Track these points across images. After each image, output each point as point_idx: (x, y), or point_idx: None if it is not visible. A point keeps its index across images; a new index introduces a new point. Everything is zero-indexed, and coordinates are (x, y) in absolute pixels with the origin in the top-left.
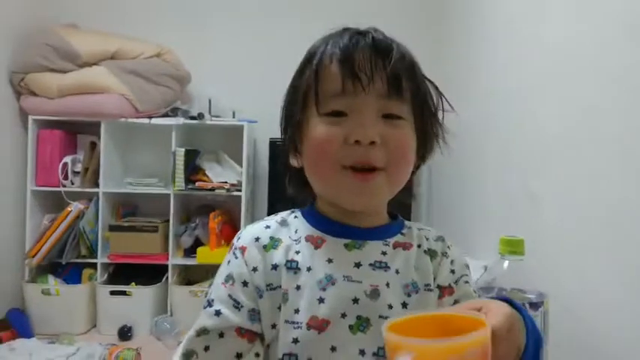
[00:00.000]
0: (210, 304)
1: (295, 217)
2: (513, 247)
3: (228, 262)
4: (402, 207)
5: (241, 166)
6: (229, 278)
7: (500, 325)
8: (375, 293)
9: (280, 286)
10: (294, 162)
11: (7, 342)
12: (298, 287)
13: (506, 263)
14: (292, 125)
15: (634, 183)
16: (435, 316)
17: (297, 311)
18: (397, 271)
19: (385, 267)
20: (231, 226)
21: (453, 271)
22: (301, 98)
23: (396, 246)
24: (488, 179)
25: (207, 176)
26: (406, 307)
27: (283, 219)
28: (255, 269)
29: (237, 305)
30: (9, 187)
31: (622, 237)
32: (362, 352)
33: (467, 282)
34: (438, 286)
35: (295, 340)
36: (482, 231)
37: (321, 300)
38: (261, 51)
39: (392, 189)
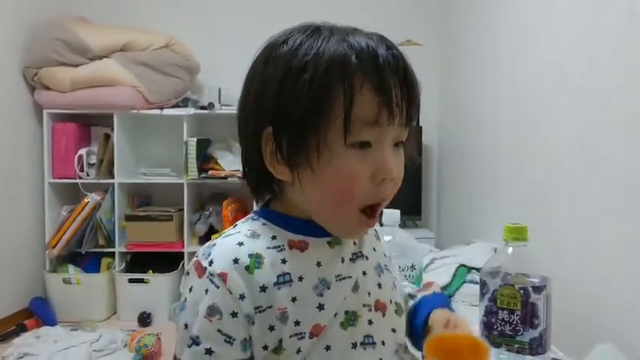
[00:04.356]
0: (195, 341)
1: (263, 224)
2: (517, 234)
3: (206, 290)
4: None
5: None
6: (214, 311)
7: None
8: (356, 286)
9: (271, 307)
10: (282, 176)
11: (33, 330)
12: (294, 299)
13: (510, 249)
14: (300, 147)
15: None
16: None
17: (297, 323)
18: (367, 258)
19: (361, 255)
20: (244, 214)
21: (385, 255)
22: (324, 121)
23: None
24: (501, 174)
25: (220, 165)
26: (380, 287)
27: (251, 231)
28: (242, 297)
29: (228, 340)
30: (27, 180)
31: (624, 229)
32: (354, 345)
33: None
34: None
35: (298, 351)
36: (493, 217)
37: (320, 307)
38: None
39: None
